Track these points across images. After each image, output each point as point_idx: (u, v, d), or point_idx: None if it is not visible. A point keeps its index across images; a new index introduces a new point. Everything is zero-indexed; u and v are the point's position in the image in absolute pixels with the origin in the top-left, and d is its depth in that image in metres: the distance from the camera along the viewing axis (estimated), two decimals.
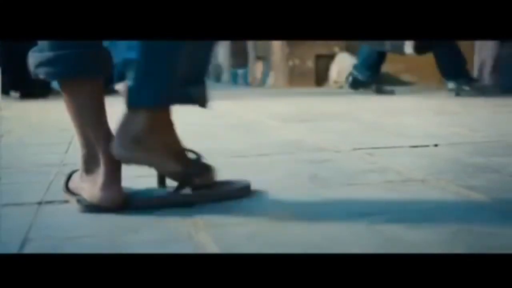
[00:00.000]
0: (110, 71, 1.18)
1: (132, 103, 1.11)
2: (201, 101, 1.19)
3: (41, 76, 1.16)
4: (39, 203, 1.21)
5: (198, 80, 1.18)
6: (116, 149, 1.12)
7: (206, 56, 1.19)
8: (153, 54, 1.10)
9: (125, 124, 1.12)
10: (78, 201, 1.17)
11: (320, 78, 5.60)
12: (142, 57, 1.09)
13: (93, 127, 1.15)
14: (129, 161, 1.13)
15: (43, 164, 1.69)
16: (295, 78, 5.48)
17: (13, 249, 0.94)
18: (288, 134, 2.23)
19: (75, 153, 1.83)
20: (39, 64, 1.15)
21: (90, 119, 1.15)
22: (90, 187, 1.16)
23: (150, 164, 1.16)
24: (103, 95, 1.19)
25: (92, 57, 1.15)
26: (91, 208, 1.15)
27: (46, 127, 2.71)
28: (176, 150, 1.18)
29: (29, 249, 0.94)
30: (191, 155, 1.20)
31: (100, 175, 1.15)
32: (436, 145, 1.84)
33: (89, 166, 1.17)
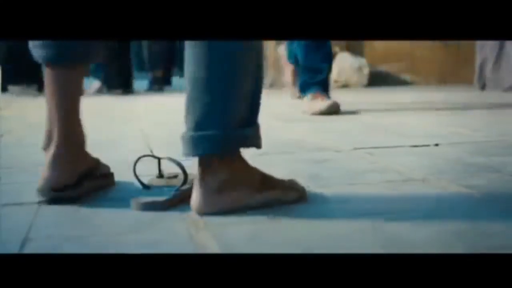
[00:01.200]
0: (95, 60, 1.26)
1: (208, 151, 1.08)
2: (257, 143, 1.16)
3: (35, 58, 1.22)
4: (39, 203, 1.21)
5: (251, 123, 1.14)
6: (201, 207, 1.09)
7: (256, 97, 1.14)
8: (217, 94, 1.08)
9: (202, 178, 1.09)
10: (37, 190, 1.21)
11: None
12: (210, 97, 1.07)
13: (59, 110, 1.21)
14: (218, 212, 1.08)
15: (43, 164, 1.69)
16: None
17: (13, 248, 0.94)
18: (288, 134, 2.23)
19: None
20: (33, 47, 1.22)
21: (63, 106, 1.21)
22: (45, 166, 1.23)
23: (240, 208, 1.10)
24: (81, 84, 1.25)
25: (79, 44, 1.21)
26: (46, 196, 1.20)
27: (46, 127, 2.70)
28: (257, 180, 1.14)
29: (29, 249, 0.94)
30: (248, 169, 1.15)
31: (49, 152, 1.22)
32: (437, 145, 1.84)
33: (47, 143, 1.24)
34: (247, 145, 1.13)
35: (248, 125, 1.12)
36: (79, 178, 1.23)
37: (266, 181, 1.14)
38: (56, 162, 1.21)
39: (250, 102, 1.12)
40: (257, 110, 1.15)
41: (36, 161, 1.75)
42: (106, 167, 1.37)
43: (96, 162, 1.32)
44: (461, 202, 1.16)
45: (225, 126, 1.08)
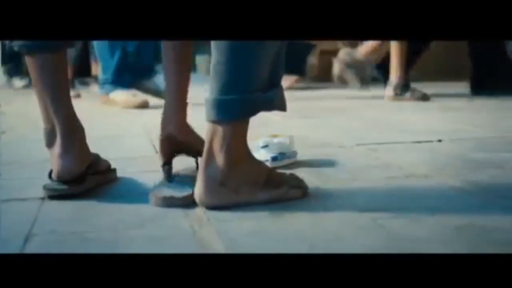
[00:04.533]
0: (72, 45, 1.25)
1: (223, 116, 1.08)
2: (282, 105, 1.16)
3: (16, 49, 1.21)
4: (42, 198, 1.21)
5: (276, 84, 1.14)
6: (203, 198, 1.09)
7: (280, 59, 1.14)
8: (238, 59, 1.08)
9: (206, 167, 1.09)
10: (43, 187, 1.22)
11: (324, 73, 5.59)
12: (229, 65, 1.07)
13: (53, 100, 1.20)
14: (220, 205, 1.09)
15: (46, 160, 1.69)
16: None
17: (16, 244, 0.94)
18: (291, 130, 2.22)
19: None
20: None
21: (50, 93, 1.20)
22: (51, 159, 1.23)
23: (242, 204, 1.10)
24: (66, 71, 1.24)
25: None
26: (54, 191, 1.20)
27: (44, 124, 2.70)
28: (262, 178, 1.13)
29: (32, 244, 0.94)
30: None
31: (57, 146, 1.21)
32: (439, 141, 1.84)
33: (50, 139, 1.23)
34: (271, 107, 1.13)
35: (271, 89, 1.12)
36: (85, 172, 1.24)
37: (271, 179, 1.14)
38: (66, 152, 1.21)
39: (273, 66, 1.12)
40: (280, 74, 1.15)
41: (39, 157, 1.75)
42: (106, 162, 1.37)
43: (96, 157, 1.32)
44: (464, 198, 1.16)
45: (248, 90, 1.08)
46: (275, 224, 1.01)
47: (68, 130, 1.22)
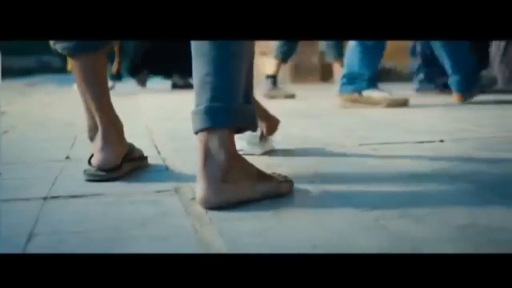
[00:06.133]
0: (112, 46, 1.37)
1: (216, 123, 1.10)
2: (253, 124, 1.18)
3: (59, 51, 1.34)
4: (45, 198, 1.21)
5: (250, 101, 1.17)
6: (207, 197, 1.09)
7: (251, 78, 1.18)
8: (227, 74, 1.11)
9: (205, 168, 1.10)
10: (84, 171, 1.35)
11: (325, 74, 5.60)
12: (220, 76, 1.10)
13: (94, 98, 1.34)
14: (224, 203, 1.09)
15: (48, 160, 1.69)
16: (300, 74, 5.48)
17: (19, 243, 0.94)
18: (293, 129, 2.22)
19: (81, 148, 1.83)
20: (54, 42, 1.33)
21: (92, 91, 1.34)
22: (93, 152, 1.37)
23: (243, 199, 1.11)
24: (105, 71, 1.37)
25: None
26: (94, 176, 1.34)
27: (50, 123, 2.71)
28: (255, 172, 1.16)
29: (34, 244, 0.94)
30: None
31: (98, 139, 1.36)
32: (442, 141, 1.84)
33: (92, 134, 1.38)
34: (254, 120, 1.17)
35: (248, 104, 1.17)
36: (122, 161, 1.38)
37: (261, 174, 1.17)
38: (105, 146, 1.36)
39: (247, 83, 1.16)
40: (252, 91, 1.19)
41: (41, 156, 1.76)
42: (139, 151, 1.51)
43: (131, 146, 1.47)
44: (466, 197, 1.15)
45: (237, 99, 1.12)
46: (277, 224, 1.01)
47: (107, 126, 1.36)
